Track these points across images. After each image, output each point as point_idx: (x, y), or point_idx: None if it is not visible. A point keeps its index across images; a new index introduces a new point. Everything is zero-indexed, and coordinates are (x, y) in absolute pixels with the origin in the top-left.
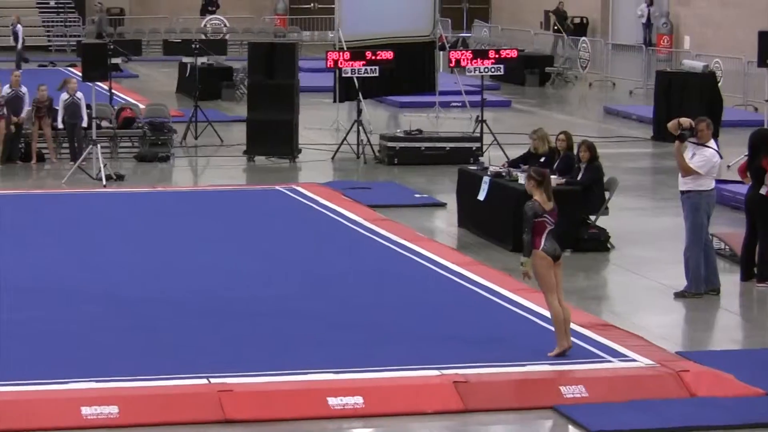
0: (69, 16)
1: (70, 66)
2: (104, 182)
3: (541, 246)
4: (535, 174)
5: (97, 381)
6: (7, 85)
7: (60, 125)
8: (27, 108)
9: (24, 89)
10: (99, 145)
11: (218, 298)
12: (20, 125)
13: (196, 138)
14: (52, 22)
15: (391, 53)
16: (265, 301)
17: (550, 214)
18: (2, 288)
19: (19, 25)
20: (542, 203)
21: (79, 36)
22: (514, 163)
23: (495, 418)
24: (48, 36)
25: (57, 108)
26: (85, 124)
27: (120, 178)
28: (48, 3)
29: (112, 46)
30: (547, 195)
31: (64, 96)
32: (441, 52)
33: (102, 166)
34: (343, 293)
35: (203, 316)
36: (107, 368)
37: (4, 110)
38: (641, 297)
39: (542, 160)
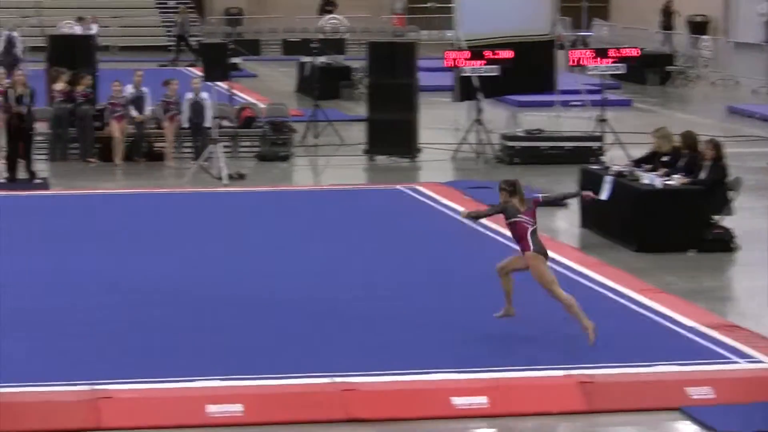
0: (188, 16)
1: (190, 66)
2: (225, 181)
3: (531, 247)
4: (506, 185)
5: (222, 379)
6: (131, 85)
7: (185, 124)
8: (149, 107)
9: (145, 89)
10: (220, 145)
11: (339, 298)
12: (143, 123)
13: (316, 137)
14: (172, 22)
15: (511, 52)
16: (387, 300)
17: (526, 214)
18: (127, 288)
19: (94, 25)
20: (516, 205)
21: (198, 36)
22: (638, 163)
23: (620, 419)
24: (168, 36)
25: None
26: (208, 123)
27: (241, 177)
28: (166, 3)
29: (232, 46)
30: (520, 200)
31: (189, 95)
32: (561, 51)
33: (223, 165)
34: (465, 293)
35: (325, 315)
36: (232, 366)
37: (127, 109)
38: (767, 297)
39: (665, 159)
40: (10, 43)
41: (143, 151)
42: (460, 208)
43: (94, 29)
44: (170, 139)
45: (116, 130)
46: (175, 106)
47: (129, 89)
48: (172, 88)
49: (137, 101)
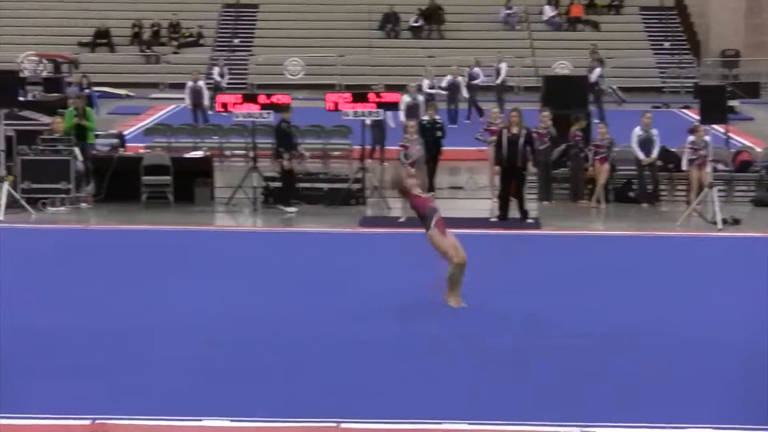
0: (683, 58)
1: (684, 108)
2: (719, 226)
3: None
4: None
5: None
6: (639, 127)
7: (684, 167)
8: (656, 149)
9: (655, 131)
10: (715, 188)
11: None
12: (647, 166)
13: None
14: (666, 63)
15: None
16: None
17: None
18: (568, 330)
19: (503, 63)
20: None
21: (694, 78)
22: None
23: None
24: (662, 77)
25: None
26: (708, 169)
27: (736, 222)
28: (662, 45)
29: (729, 89)
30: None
31: (691, 138)
32: None
33: (718, 210)
34: None
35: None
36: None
37: (611, 151)
38: None
39: None
40: (453, 85)
41: (639, 194)
42: None
43: (502, 66)
44: (694, 186)
45: (599, 172)
46: (704, 153)
47: (638, 131)
48: (699, 134)
49: (646, 143)
